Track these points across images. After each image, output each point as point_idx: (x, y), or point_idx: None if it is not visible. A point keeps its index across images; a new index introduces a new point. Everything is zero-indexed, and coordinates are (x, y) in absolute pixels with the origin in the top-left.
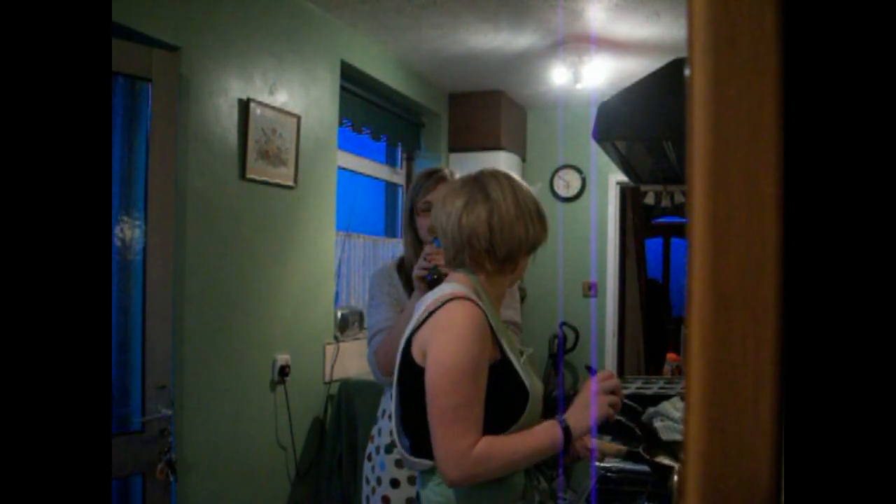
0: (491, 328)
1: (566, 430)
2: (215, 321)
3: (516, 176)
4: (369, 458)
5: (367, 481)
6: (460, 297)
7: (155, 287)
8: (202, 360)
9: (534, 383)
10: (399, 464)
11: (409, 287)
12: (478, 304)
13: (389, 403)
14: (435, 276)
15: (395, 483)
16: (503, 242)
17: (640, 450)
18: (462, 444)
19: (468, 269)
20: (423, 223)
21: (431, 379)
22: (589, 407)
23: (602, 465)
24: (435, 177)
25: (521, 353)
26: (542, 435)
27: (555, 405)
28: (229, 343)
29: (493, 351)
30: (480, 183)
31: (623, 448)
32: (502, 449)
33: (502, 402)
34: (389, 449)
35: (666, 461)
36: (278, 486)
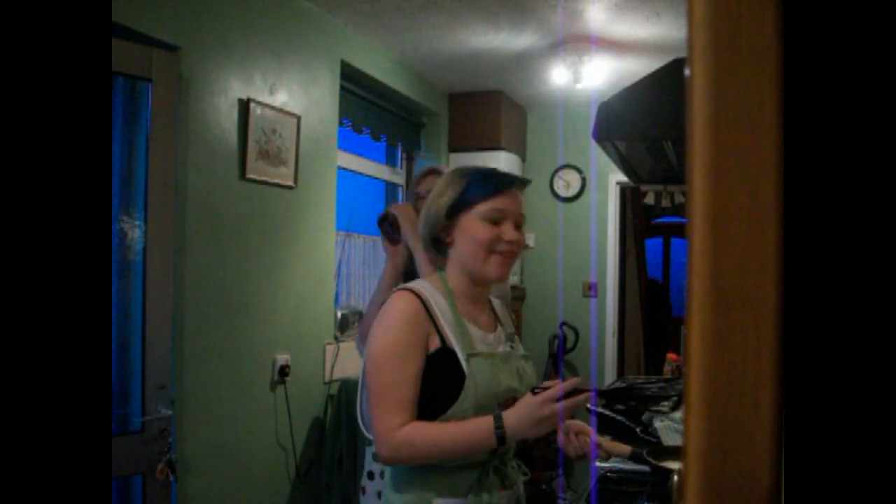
0: (433, 319)
1: (500, 433)
2: (215, 321)
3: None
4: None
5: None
6: (403, 289)
7: (155, 287)
8: (202, 360)
9: (492, 376)
10: (376, 456)
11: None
12: (417, 295)
13: None
14: (384, 217)
15: (370, 475)
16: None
17: (644, 453)
18: (387, 423)
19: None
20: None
21: (365, 362)
22: (529, 416)
23: (602, 464)
24: (427, 171)
25: (511, 346)
26: (474, 431)
27: None
28: (229, 343)
29: (433, 339)
30: None
31: (627, 448)
32: (427, 436)
33: (438, 388)
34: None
35: (670, 465)
36: (278, 486)
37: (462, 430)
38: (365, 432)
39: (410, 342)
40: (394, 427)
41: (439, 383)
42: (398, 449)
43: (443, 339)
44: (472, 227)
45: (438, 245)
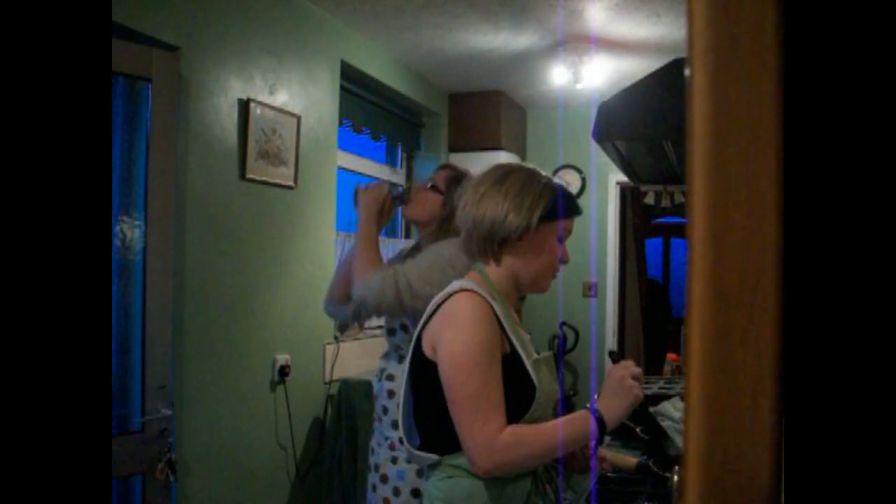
0: (499, 322)
1: (600, 421)
2: (215, 321)
3: (515, 168)
4: (372, 452)
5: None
6: (465, 290)
7: (155, 287)
8: (202, 360)
9: (548, 381)
10: (395, 460)
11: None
12: (483, 297)
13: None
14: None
15: (384, 478)
16: (471, 227)
17: (651, 463)
18: (487, 430)
19: (481, 263)
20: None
21: (445, 372)
22: (618, 395)
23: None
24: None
25: (538, 353)
26: (574, 425)
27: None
28: (229, 343)
29: (503, 344)
30: None
31: (633, 460)
32: (531, 436)
33: (509, 395)
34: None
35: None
36: (278, 486)
37: (564, 429)
38: (411, 449)
39: (493, 342)
40: (493, 433)
41: (510, 390)
42: (502, 455)
43: (511, 343)
44: (550, 243)
45: (503, 244)
